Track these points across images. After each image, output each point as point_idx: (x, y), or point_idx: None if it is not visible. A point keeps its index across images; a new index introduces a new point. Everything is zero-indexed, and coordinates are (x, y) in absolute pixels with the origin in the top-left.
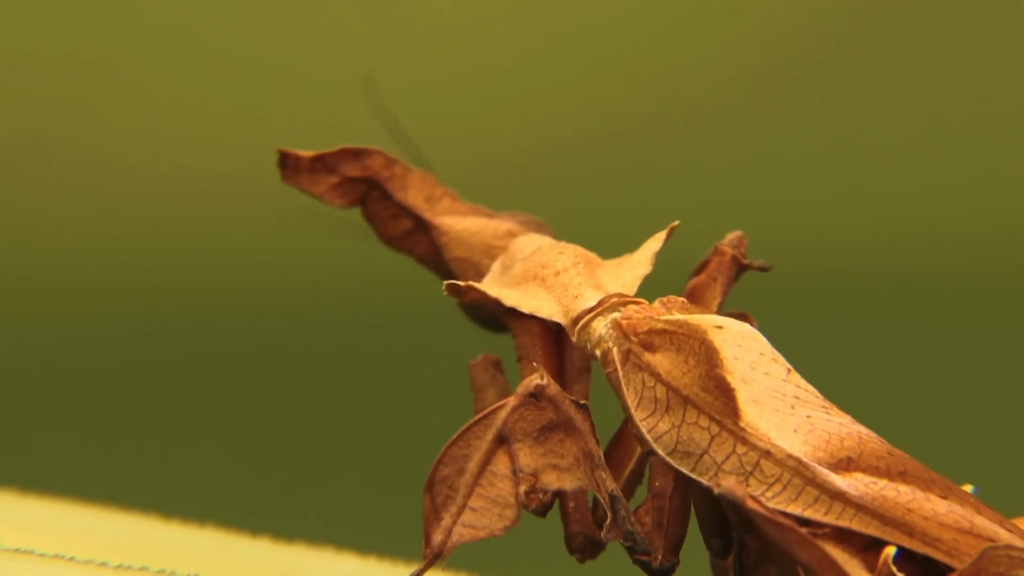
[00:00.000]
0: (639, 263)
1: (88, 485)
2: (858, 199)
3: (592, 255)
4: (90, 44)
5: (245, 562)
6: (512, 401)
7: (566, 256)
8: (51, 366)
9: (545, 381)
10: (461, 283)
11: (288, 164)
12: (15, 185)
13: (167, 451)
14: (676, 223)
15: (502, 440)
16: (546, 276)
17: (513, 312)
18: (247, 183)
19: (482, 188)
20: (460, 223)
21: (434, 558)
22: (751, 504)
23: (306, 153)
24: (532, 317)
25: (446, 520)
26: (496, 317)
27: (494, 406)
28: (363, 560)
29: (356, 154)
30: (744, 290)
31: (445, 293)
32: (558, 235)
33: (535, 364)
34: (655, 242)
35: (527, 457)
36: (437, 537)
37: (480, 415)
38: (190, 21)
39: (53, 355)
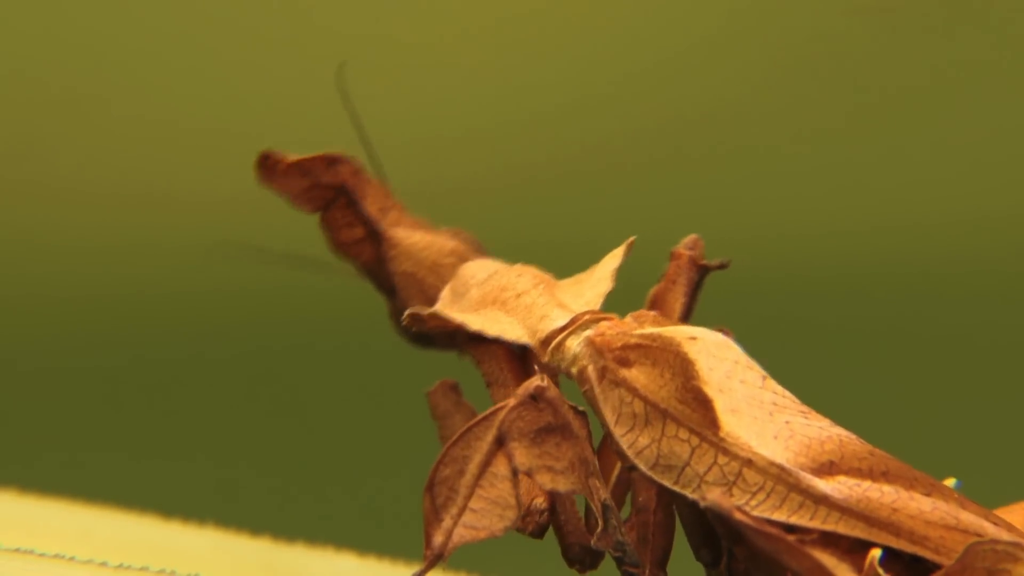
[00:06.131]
0: (600, 280)
1: (88, 485)
2: (838, 210)
3: (548, 276)
4: (71, 57)
5: (245, 562)
6: (512, 401)
7: (525, 278)
8: (51, 367)
9: (545, 383)
10: (423, 311)
11: (267, 165)
12: (15, 194)
13: (167, 451)
14: (633, 238)
15: (502, 441)
16: (507, 299)
17: (475, 338)
18: (223, 195)
19: (448, 207)
20: (410, 237)
21: (435, 559)
22: (738, 516)
23: (286, 156)
24: (496, 341)
25: (446, 521)
26: (426, 334)
27: (495, 407)
28: (363, 560)
29: (331, 161)
30: (722, 299)
31: (405, 322)
32: (547, 252)
33: (511, 388)
34: (613, 259)
35: (522, 456)
36: (438, 538)
37: (480, 416)
38: (166, 39)
39: (53, 356)
